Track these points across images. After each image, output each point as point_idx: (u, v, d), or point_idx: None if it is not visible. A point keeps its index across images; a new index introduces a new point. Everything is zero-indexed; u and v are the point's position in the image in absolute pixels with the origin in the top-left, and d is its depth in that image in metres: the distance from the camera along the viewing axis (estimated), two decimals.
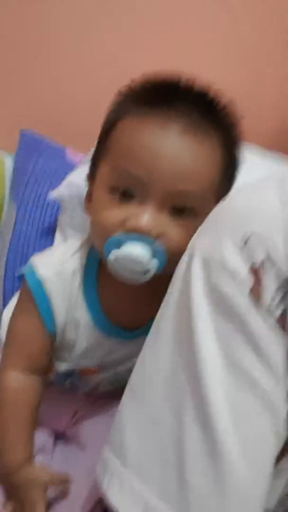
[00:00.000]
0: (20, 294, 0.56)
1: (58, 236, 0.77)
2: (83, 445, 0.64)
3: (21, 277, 0.56)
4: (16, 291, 0.81)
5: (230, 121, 0.48)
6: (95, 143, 0.52)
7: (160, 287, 0.53)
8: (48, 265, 0.53)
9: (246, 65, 0.99)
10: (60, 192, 0.74)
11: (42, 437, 0.64)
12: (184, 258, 0.42)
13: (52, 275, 0.52)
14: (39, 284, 0.52)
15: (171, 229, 0.46)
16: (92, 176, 0.52)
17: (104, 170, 0.48)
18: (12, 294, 0.80)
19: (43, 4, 0.95)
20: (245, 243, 0.36)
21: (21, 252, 0.80)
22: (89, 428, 0.65)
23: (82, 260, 0.54)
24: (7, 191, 0.96)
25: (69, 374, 0.60)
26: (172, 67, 0.48)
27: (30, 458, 0.52)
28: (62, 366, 0.58)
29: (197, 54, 0.97)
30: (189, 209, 0.46)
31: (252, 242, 0.36)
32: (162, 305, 0.43)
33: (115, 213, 0.46)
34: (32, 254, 0.66)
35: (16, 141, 0.96)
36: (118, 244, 0.46)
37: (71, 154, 0.93)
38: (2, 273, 0.80)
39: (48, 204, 0.81)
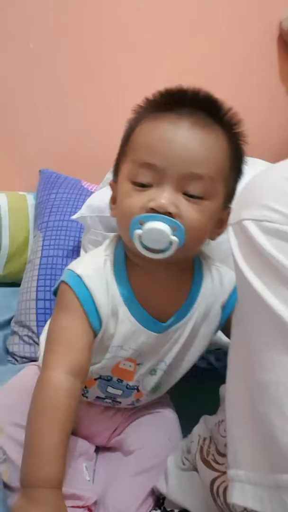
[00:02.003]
0: (59, 299, 0.57)
1: (82, 254, 0.84)
2: (126, 451, 0.65)
3: (54, 296, 0.59)
4: (48, 312, 0.87)
5: (233, 119, 0.55)
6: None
7: (182, 275, 0.60)
8: (81, 264, 0.58)
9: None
10: (81, 213, 0.81)
11: (84, 444, 0.65)
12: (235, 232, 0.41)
13: (88, 270, 0.56)
14: (79, 280, 0.55)
15: (187, 209, 0.52)
16: (115, 180, 0.58)
17: (125, 168, 0.55)
18: (44, 314, 0.86)
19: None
20: None
21: (50, 274, 0.87)
22: (131, 437, 0.66)
23: (110, 255, 0.59)
24: (31, 225, 1.04)
25: (108, 379, 0.61)
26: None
27: (61, 481, 0.49)
28: (99, 368, 0.60)
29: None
30: (201, 193, 0.52)
31: None
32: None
33: (136, 199, 0.52)
34: (60, 275, 0.70)
35: (36, 182, 1.06)
36: (141, 224, 0.51)
37: (86, 185, 1.02)
38: (34, 296, 0.86)
39: (70, 228, 0.89)
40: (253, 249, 0.37)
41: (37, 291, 0.86)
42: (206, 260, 0.64)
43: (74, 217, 0.83)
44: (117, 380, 0.62)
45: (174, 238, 0.51)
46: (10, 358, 0.86)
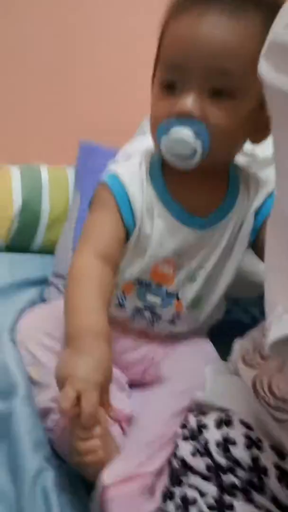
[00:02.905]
0: (94, 199, 0.59)
1: None
2: (162, 379, 0.61)
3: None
4: None
5: (271, 2, 0.48)
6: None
7: (218, 182, 0.59)
8: (118, 165, 0.59)
9: None
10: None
11: (115, 371, 0.62)
12: None
13: (124, 170, 0.57)
14: (114, 177, 0.56)
15: (212, 111, 0.50)
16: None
17: (157, 71, 0.55)
18: None
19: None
20: None
21: None
22: (167, 365, 0.62)
23: (146, 160, 0.60)
24: (71, 195, 1.07)
25: (147, 284, 0.60)
26: None
27: (104, 332, 0.48)
28: (138, 269, 0.58)
29: None
30: (229, 90, 0.50)
31: None
32: None
33: (162, 104, 0.52)
34: None
35: (76, 155, 1.11)
36: (166, 130, 0.51)
37: None
38: (71, 246, 0.87)
39: None
40: None
41: (73, 242, 0.87)
42: (243, 170, 0.62)
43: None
44: (156, 285, 0.60)
45: (198, 143, 0.50)
46: None
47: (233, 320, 0.78)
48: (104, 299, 0.50)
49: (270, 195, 0.59)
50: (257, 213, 0.60)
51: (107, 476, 0.43)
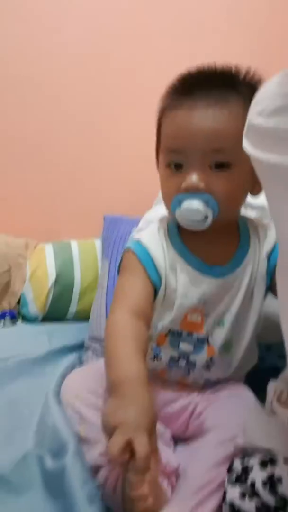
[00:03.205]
0: (121, 266, 0.66)
1: None
2: (205, 430, 0.62)
3: (118, 274, 0.68)
4: None
5: (249, 85, 0.60)
6: None
7: (230, 235, 0.67)
8: (140, 233, 0.67)
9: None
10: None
11: (159, 426, 0.62)
12: None
13: (145, 235, 0.66)
14: (137, 243, 0.65)
15: (216, 181, 0.59)
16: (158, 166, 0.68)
17: (160, 155, 0.65)
18: None
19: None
20: None
21: None
22: (210, 417, 0.64)
23: (163, 225, 0.68)
24: (99, 264, 1.16)
25: (178, 334, 0.64)
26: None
27: (144, 379, 0.50)
28: (169, 321, 0.63)
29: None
30: (226, 163, 0.59)
31: None
32: None
33: (172, 182, 0.61)
34: None
35: (101, 228, 1.21)
36: (179, 203, 0.60)
37: None
38: (104, 311, 0.93)
39: None
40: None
41: (106, 306, 0.93)
42: (250, 221, 0.70)
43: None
44: (187, 334, 0.64)
45: (208, 210, 0.59)
46: None
47: (268, 367, 0.80)
48: (141, 350, 0.54)
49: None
50: (268, 257, 0.66)
51: None
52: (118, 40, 1.25)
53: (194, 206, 0.58)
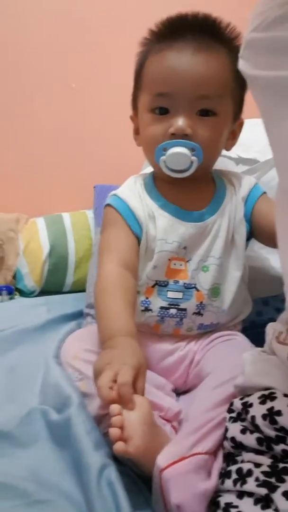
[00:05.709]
0: (102, 221, 0.68)
1: None
2: (204, 377, 0.63)
3: None
4: None
5: (233, 34, 0.62)
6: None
7: (206, 185, 0.68)
8: (118, 189, 0.69)
9: None
10: None
11: (160, 379, 0.66)
12: None
13: (121, 189, 0.69)
14: (115, 197, 0.67)
15: (202, 128, 0.60)
16: (135, 113, 0.68)
17: (142, 99, 0.64)
18: None
19: None
20: None
21: None
22: (207, 363, 0.65)
23: (138, 178, 0.70)
24: (92, 234, 1.15)
25: (165, 284, 0.65)
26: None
27: (133, 332, 0.53)
28: (152, 268, 0.65)
29: None
30: (212, 110, 0.60)
31: None
32: None
33: (157, 127, 0.62)
34: None
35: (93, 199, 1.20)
36: (165, 149, 0.61)
37: None
38: None
39: None
40: None
41: None
42: (223, 171, 0.72)
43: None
44: (174, 282, 0.66)
45: (194, 158, 0.60)
46: None
47: (266, 321, 0.81)
48: (130, 302, 0.57)
49: (254, 187, 0.69)
50: (245, 202, 0.68)
51: (161, 459, 0.45)
52: None
53: (181, 151, 0.59)
